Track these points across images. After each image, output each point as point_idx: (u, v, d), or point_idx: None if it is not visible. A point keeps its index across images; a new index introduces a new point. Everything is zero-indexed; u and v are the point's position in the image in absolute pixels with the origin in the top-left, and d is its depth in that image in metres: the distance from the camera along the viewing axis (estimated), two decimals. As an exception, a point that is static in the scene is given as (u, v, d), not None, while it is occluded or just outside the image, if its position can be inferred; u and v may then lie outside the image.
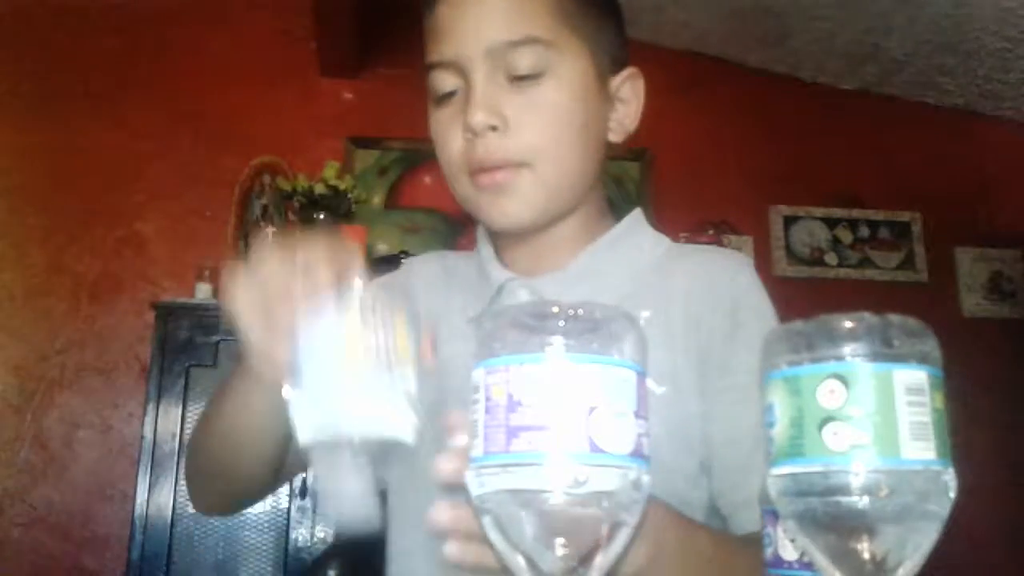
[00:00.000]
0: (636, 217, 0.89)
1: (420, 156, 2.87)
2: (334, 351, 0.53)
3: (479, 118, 0.75)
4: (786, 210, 3.06)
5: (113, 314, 2.64)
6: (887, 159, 3.10)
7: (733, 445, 0.75)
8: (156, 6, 2.85)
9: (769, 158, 3.03)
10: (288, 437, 0.68)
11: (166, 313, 2.28)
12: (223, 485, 0.82)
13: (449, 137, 0.80)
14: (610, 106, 0.84)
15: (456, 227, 2.79)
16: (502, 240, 0.87)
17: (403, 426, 0.54)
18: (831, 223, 3.07)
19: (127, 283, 2.66)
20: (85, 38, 2.82)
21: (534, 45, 0.76)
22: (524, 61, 0.76)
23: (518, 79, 0.77)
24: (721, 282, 0.82)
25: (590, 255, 0.83)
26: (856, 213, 3.08)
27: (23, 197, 2.70)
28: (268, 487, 0.84)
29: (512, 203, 0.78)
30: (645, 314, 0.79)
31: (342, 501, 0.52)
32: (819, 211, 3.07)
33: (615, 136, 0.84)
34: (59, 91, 2.76)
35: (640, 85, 0.86)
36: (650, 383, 0.78)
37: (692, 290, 0.81)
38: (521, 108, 0.76)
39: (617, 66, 0.84)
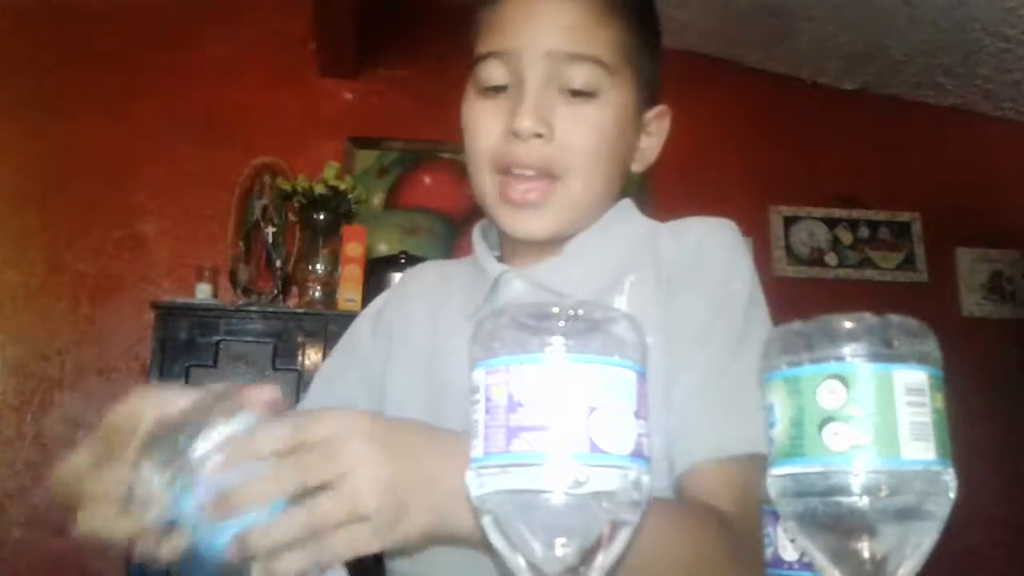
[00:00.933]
0: (625, 204, 0.90)
1: (420, 156, 2.87)
2: None
3: (528, 124, 0.76)
4: (786, 210, 3.06)
5: (113, 314, 2.64)
6: (887, 159, 3.10)
7: (678, 381, 0.74)
8: (156, 6, 2.85)
9: (769, 158, 3.03)
10: None
11: (166, 313, 2.27)
12: None
13: (486, 131, 0.80)
14: (638, 137, 0.86)
15: (455, 227, 2.79)
16: (508, 244, 0.88)
17: None
18: (831, 223, 3.07)
19: (127, 283, 2.66)
20: (85, 38, 2.82)
21: (595, 64, 0.77)
22: (581, 77, 0.77)
23: (571, 93, 0.77)
24: (692, 243, 0.83)
25: (579, 241, 0.84)
26: (856, 213, 3.08)
27: (23, 197, 2.70)
28: None
29: (538, 218, 0.79)
30: (630, 279, 0.80)
31: None
32: (819, 211, 3.07)
33: (637, 166, 0.87)
34: (59, 91, 2.76)
35: (667, 123, 0.88)
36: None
37: (669, 254, 0.82)
38: (569, 121, 0.77)
39: (652, 100, 0.86)
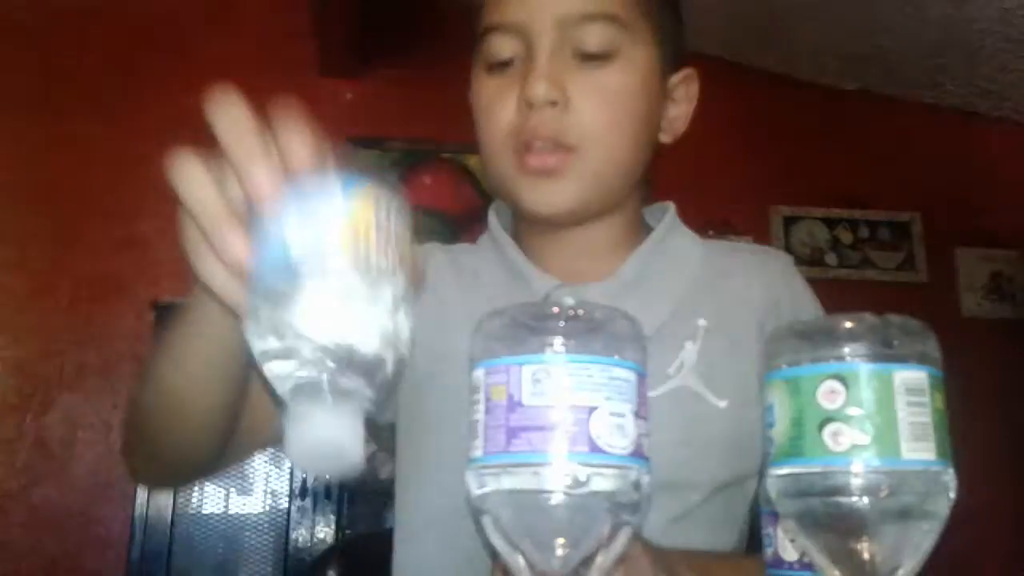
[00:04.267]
0: (674, 216, 0.85)
1: (420, 156, 2.87)
2: (311, 249, 0.41)
3: (541, 90, 0.70)
4: (786, 210, 3.06)
5: (113, 314, 2.64)
6: (887, 159, 3.10)
7: None
8: (156, 6, 2.85)
9: (769, 158, 3.03)
10: (238, 401, 0.61)
11: (166, 313, 2.27)
12: (162, 452, 0.68)
13: (499, 107, 0.73)
14: (665, 103, 0.80)
15: (456, 227, 2.79)
16: (532, 234, 0.81)
17: (385, 348, 0.41)
18: (831, 223, 3.07)
19: (127, 283, 2.66)
20: (85, 38, 2.82)
21: (609, 23, 0.72)
22: (595, 38, 0.72)
23: (586, 57, 0.72)
24: (777, 285, 0.80)
25: (638, 261, 0.79)
26: (856, 213, 3.08)
27: (23, 197, 2.70)
28: (215, 460, 0.69)
29: (557, 189, 0.73)
30: (702, 323, 0.76)
31: (309, 441, 0.40)
32: (819, 211, 3.07)
33: (665, 136, 0.81)
34: (59, 91, 2.76)
35: (695, 89, 0.82)
36: (709, 396, 0.75)
37: (750, 292, 0.79)
38: (585, 88, 0.72)
39: (677, 63, 0.81)
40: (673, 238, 0.82)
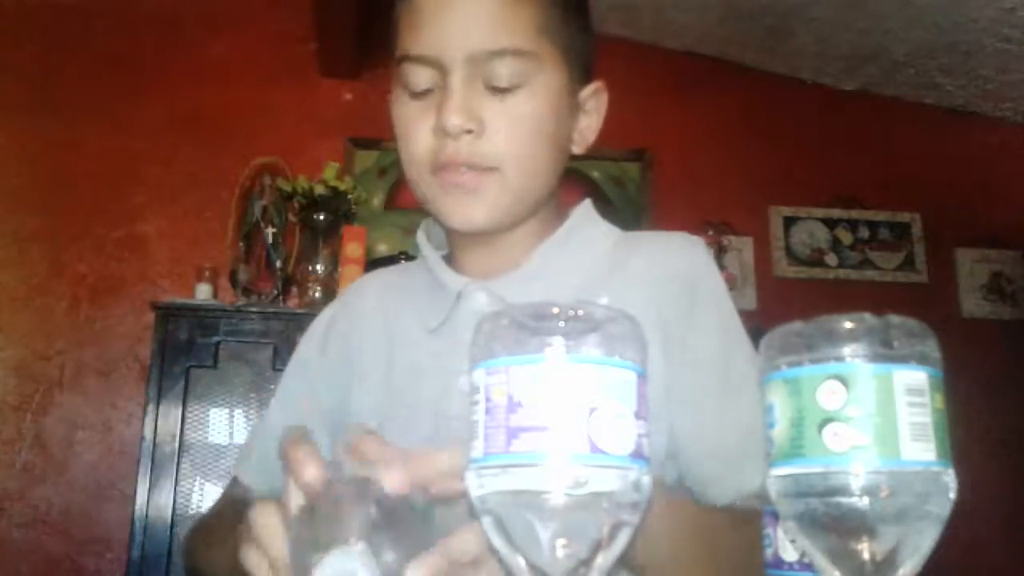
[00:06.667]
0: (585, 210, 0.89)
1: (420, 156, 2.86)
2: None
3: (456, 121, 0.75)
4: (786, 210, 3.06)
5: (113, 314, 2.64)
6: (887, 159, 3.10)
7: (695, 425, 0.76)
8: (156, 7, 2.85)
9: (769, 158, 3.03)
10: None
11: (166, 314, 2.27)
12: None
13: (417, 133, 0.80)
14: (576, 117, 0.85)
15: (456, 227, 2.79)
16: (457, 244, 0.87)
17: None
18: (831, 224, 3.07)
19: (127, 283, 2.66)
20: (85, 38, 2.82)
21: (515, 56, 0.76)
22: (504, 71, 0.76)
23: (497, 89, 0.77)
24: (676, 263, 0.83)
25: (543, 253, 0.83)
26: (856, 214, 3.08)
27: (23, 197, 2.70)
28: None
29: (477, 206, 0.78)
30: (603, 301, 0.79)
31: None
32: (819, 211, 3.07)
33: (576, 148, 0.85)
34: (59, 91, 2.76)
35: (604, 100, 0.87)
36: None
37: (650, 274, 0.82)
38: (497, 115, 0.77)
39: (586, 78, 0.85)
40: (582, 231, 0.86)
